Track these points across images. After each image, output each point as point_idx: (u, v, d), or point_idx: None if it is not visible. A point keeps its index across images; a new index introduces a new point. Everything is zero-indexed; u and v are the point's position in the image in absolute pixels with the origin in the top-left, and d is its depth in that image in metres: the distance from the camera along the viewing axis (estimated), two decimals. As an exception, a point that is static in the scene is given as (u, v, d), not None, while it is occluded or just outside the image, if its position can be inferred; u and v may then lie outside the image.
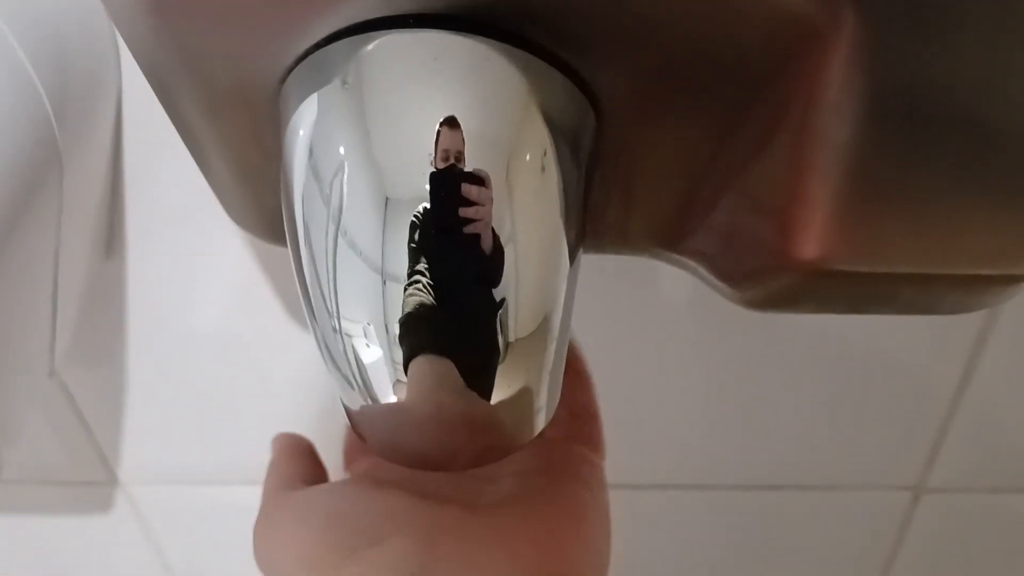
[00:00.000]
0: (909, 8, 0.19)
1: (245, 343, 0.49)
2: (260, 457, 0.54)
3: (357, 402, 0.24)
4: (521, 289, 0.22)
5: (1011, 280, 0.25)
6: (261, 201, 0.27)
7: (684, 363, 0.49)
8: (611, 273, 0.45)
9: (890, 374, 0.49)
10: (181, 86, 0.23)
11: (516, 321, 0.22)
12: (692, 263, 0.27)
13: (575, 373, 0.36)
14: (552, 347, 0.24)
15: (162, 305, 0.47)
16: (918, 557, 0.58)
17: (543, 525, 0.27)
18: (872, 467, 0.54)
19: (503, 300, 0.22)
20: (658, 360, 0.49)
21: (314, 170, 0.22)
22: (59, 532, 0.59)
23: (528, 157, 0.21)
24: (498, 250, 0.21)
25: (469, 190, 0.21)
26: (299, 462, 0.35)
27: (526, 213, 0.22)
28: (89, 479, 0.55)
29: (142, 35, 0.21)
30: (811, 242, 0.23)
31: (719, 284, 0.27)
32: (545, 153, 0.22)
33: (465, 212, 0.21)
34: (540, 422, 0.26)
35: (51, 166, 0.32)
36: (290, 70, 0.22)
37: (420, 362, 0.22)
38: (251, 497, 0.57)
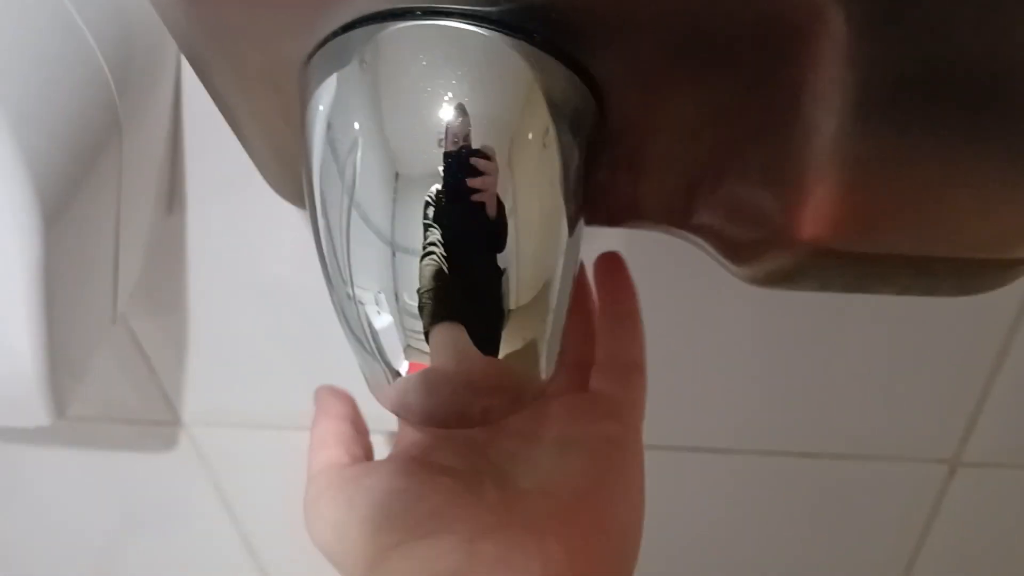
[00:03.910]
0: (892, 4, 0.20)
1: (304, 293, 0.51)
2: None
3: (371, 366, 0.26)
4: (522, 257, 0.24)
5: (1008, 264, 0.26)
6: (293, 172, 0.29)
7: (726, 332, 0.50)
8: (664, 246, 0.46)
9: (927, 346, 0.49)
10: (215, 66, 0.25)
11: (519, 286, 0.24)
12: (699, 239, 0.28)
13: (627, 319, 0.35)
14: (552, 309, 0.25)
15: (223, 257, 0.50)
16: (953, 529, 0.59)
17: (576, 528, 0.28)
18: (909, 439, 0.54)
19: (507, 267, 0.23)
20: (699, 330, 0.50)
21: (331, 144, 0.23)
22: (125, 467, 0.63)
23: (530, 136, 0.23)
24: (502, 217, 0.23)
25: (476, 163, 0.22)
26: (343, 428, 0.35)
27: (527, 186, 0.23)
28: (155, 419, 0.59)
29: (177, 19, 0.23)
30: (808, 222, 0.24)
31: (724, 260, 0.28)
32: (547, 132, 0.23)
33: (473, 183, 0.22)
34: (542, 383, 0.27)
35: (111, 130, 0.35)
36: (313, 53, 0.24)
37: (431, 327, 0.24)
38: (306, 442, 0.60)
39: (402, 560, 0.27)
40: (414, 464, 0.31)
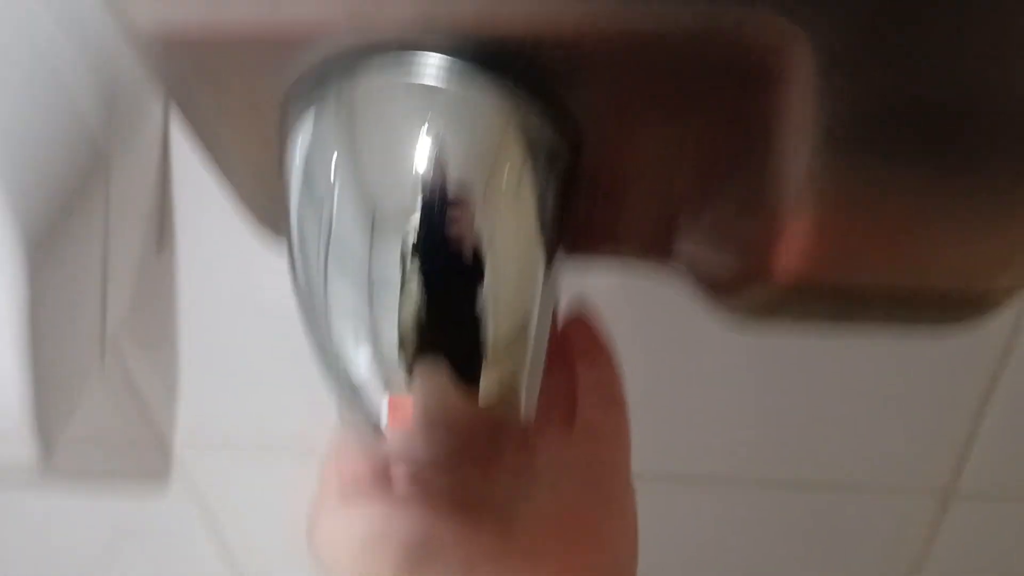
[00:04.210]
0: (859, 42, 0.20)
1: (294, 327, 0.51)
2: (310, 432, 0.56)
3: (349, 405, 0.26)
4: (500, 292, 0.24)
5: (986, 295, 0.26)
6: (272, 209, 0.29)
7: (718, 363, 0.50)
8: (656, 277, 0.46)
9: (918, 377, 0.49)
10: (198, 114, 0.25)
11: (497, 324, 0.24)
12: (680, 274, 0.29)
13: (601, 358, 0.35)
14: (531, 346, 0.25)
15: (213, 289, 0.50)
16: (946, 562, 0.58)
17: (573, 551, 0.28)
18: (901, 470, 0.54)
19: (484, 304, 0.24)
20: (692, 360, 0.50)
21: (309, 183, 0.24)
22: (116, 497, 0.62)
23: (506, 173, 0.23)
24: (480, 254, 0.23)
25: (453, 200, 0.22)
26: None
27: (504, 223, 0.23)
28: (147, 451, 0.58)
29: (160, 72, 0.23)
30: (784, 255, 0.24)
31: (705, 295, 0.28)
32: (523, 170, 0.23)
33: (449, 220, 0.22)
34: (523, 417, 0.27)
35: (97, 168, 0.35)
36: (291, 91, 0.24)
37: (409, 364, 0.24)
38: (301, 470, 0.59)
39: None
40: (414, 494, 0.30)
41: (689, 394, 0.52)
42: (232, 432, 0.58)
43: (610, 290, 0.47)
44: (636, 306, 0.48)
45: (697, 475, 0.56)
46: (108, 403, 0.55)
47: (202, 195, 0.45)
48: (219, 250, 0.47)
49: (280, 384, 0.55)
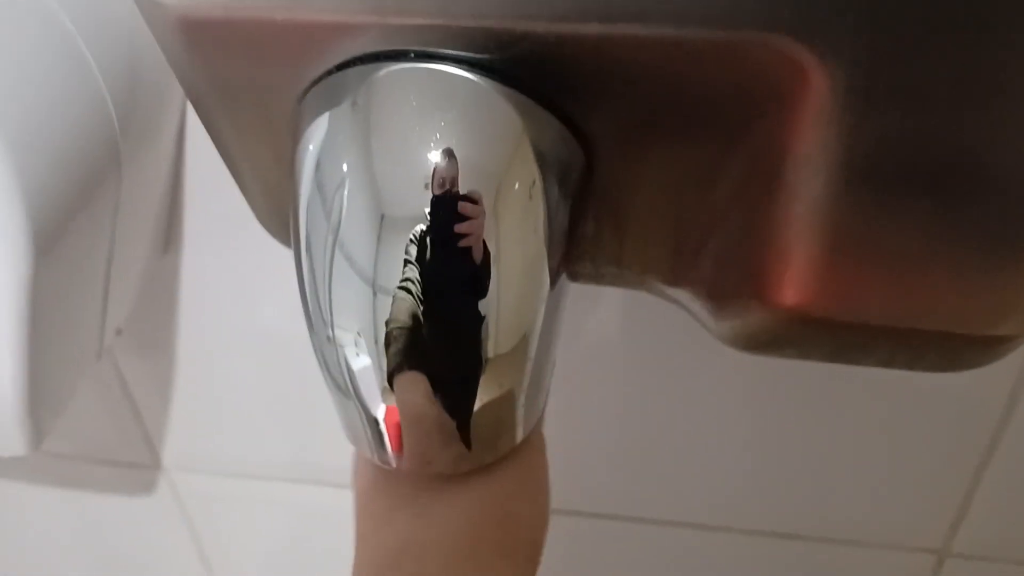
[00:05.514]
0: (877, 76, 0.20)
1: (295, 343, 0.51)
2: (299, 456, 0.56)
3: (347, 408, 0.26)
4: (503, 305, 0.24)
5: (990, 341, 0.25)
6: (283, 210, 0.29)
7: (716, 411, 0.50)
8: (658, 321, 0.46)
9: (917, 436, 0.49)
10: (213, 105, 0.25)
11: (497, 335, 0.24)
12: (683, 300, 0.28)
13: None
14: (531, 362, 0.25)
15: (215, 301, 0.50)
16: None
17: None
18: (897, 527, 0.53)
19: (487, 313, 0.23)
20: (690, 408, 0.50)
21: (319, 183, 0.24)
22: (103, 509, 0.62)
23: (517, 186, 0.23)
24: (486, 263, 0.23)
25: (464, 207, 0.22)
26: None
27: (511, 235, 0.23)
28: (135, 461, 0.58)
29: (179, 55, 0.24)
30: (786, 288, 0.24)
31: (708, 322, 0.28)
32: (534, 183, 0.23)
33: (459, 228, 0.22)
34: (518, 435, 0.27)
35: (111, 166, 0.35)
36: (307, 91, 0.24)
37: (406, 371, 0.24)
38: (287, 493, 0.59)
39: None
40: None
41: (686, 443, 0.52)
42: (221, 449, 0.57)
43: (609, 343, 0.48)
44: (636, 357, 0.48)
45: (692, 523, 0.55)
46: (100, 408, 0.55)
47: (213, 197, 0.45)
48: (226, 256, 0.47)
49: (277, 405, 0.54)
